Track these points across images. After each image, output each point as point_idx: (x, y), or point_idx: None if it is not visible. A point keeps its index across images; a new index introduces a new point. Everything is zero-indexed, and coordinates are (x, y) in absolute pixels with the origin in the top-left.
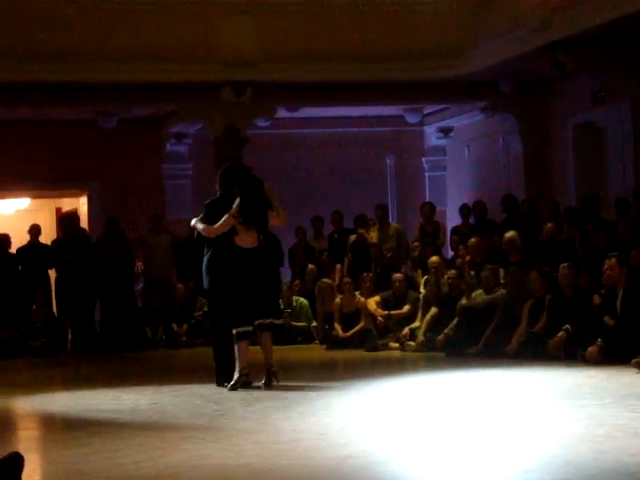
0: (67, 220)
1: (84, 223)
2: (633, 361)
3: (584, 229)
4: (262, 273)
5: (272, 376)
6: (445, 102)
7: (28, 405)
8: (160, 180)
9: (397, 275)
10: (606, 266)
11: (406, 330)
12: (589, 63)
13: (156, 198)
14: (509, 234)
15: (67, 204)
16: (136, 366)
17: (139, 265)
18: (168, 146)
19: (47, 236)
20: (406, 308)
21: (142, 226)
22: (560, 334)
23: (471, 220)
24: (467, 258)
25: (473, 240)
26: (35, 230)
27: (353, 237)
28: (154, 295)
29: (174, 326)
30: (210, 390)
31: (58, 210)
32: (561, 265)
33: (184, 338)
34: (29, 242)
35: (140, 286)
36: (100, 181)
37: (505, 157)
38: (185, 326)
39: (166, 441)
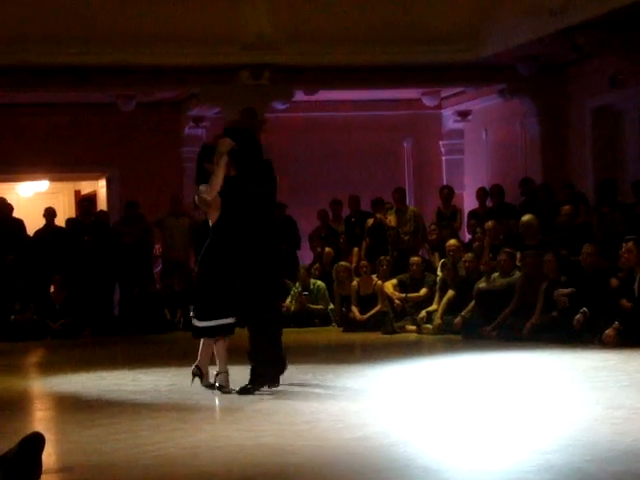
0: (85, 203)
1: (103, 206)
2: None
3: (601, 212)
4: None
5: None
6: (463, 85)
7: (48, 386)
8: (179, 163)
9: (414, 258)
10: (624, 249)
11: (423, 313)
12: (607, 46)
13: (175, 181)
14: (526, 217)
15: (86, 187)
16: (155, 348)
17: (157, 248)
18: (187, 129)
19: (67, 219)
20: (423, 291)
21: (161, 209)
22: (577, 316)
23: (489, 203)
24: (486, 242)
25: (490, 224)
26: (50, 213)
27: (371, 220)
28: (173, 278)
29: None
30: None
31: (77, 193)
32: (585, 244)
33: None
34: (45, 225)
35: (159, 268)
36: (119, 164)
37: (523, 140)
38: None
39: (186, 422)
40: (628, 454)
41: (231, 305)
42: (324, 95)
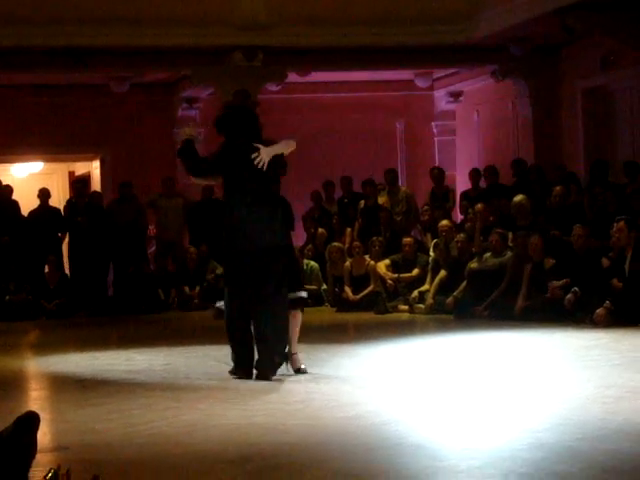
0: (79, 184)
1: (97, 187)
2: None
3: (593, 193)
4: None
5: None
6: (455, 66)
7: (42, 366)
8: (172, 144)
9: (407, 239)
10: (614, 229)
11: (415, 293)
12: (598, 27)
13: (168, 162)
14: (517, 198)
15: (80, 168)
16: (149, 328)
17: (151, 228)
18: (180, 110)
19: (61, 199)
20: (415, 271)
21: (155, 190)
22: (569, 296)
23: (481, 184)
24: (477, 225)
25: (480, 206)
26: (44, 194)
27: (363, 202)
28: (166, 258)
29: (186, 289)
30: (222, 351)
31: (71, 174)
32: (575, 225)
33: (196, 301)
34: (39, 206)
35: (153, 249)
36: (112, 145)
37: (514, 121)
38: (197, 289)
39: (180, 401)
40: (619, 433)
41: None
42: (317, 76)
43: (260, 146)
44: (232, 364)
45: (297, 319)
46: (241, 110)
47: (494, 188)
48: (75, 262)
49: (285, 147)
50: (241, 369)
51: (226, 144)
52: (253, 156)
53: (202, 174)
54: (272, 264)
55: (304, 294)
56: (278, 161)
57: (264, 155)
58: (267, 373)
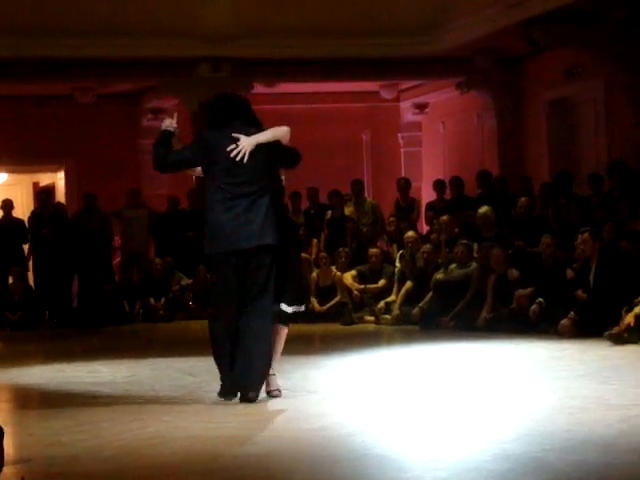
0: (44, 194)
1: (61, 198)
2: (606, 334)
3: (557, 204)
4: None
5: None
6: (420, 78)
7: (6, 378)
8: (137, 155)
9: (373, 250)
10: (579, 240)
11: (381, 304)
12: (563, 39)
13: (134, 173)
14: (483, 209)
15: (44, 179)
16: (114, 340)
17: (116, 239)
18: (145, 121)
19: (25, 211)
20: (382, 282)
21: (120, 201)
22: (533, 307)
23: (446, 195)
24: (442, 237)
25: (445, 218)
26: (7, 205)
27: (330, 212)
28: (132, 269)
29: (151, 300)
30: (187, 363)
31: (35, 185)
32: (544, 235)
33: (161, 312)
34: (2, 217)
35: (118, 260)
36: (77, 156)
37: (479, 133)
38: (163, 300)
39: (145, 413)
40: (585, 444)
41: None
42: (283, 88)
43: (240, 136)
44: (203, 378)
45: (281, 336)
46: (235, 96)
47: (459, 199)
48: (40, 273)
49: (274, 134)
50: (230, 390)
51: (202, 134)
52: (230, 148)
53: (169, 169)
54: (256, 268)
55: (293, 309)
56: (273, 151)
57: (245, 145)
58: (251, 396)
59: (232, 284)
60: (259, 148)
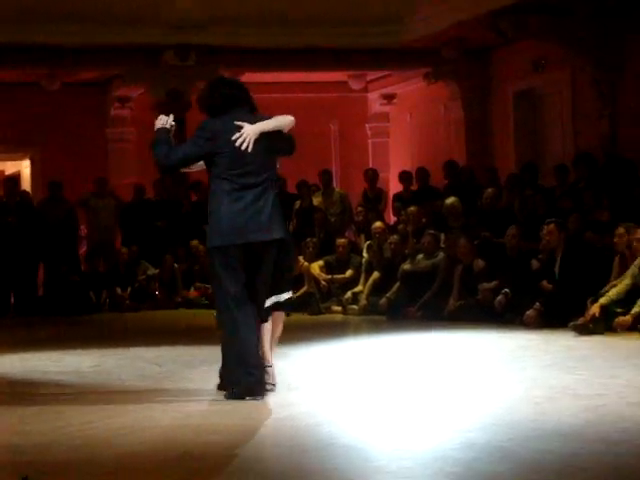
0: (9, 183)
1: (27, 186)
2: (571, 324)
3: (523, 195)
4: None
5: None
6: (389, 69)
7: None
8: (104, 144)
9: (340, 240)
10: (545, 231)
11: (349, 294)
12: (530, 31)
13: (100, 161)
14: (450, 200)
15: (10, 167)
16: (80, 329)
17: (82, 228)
18: (112, 110)
19: None
20: (349, 272)
21: (86, 189)
22: (499, 297)
23: (412, 186)
24: (410, 227)
25: (412, 209)
26: None
27: (298, 202)
28: (98, 259)
29: (118, 290)
30: (154, 353)
31: (1, 173)
32: (509, 226)
33: (128, 302)
34: None
35: (84, 249)
36: (43, 144)
37: (447, 124)
38: (129, 290)
39: (111, 403)
40: (550, 433)
41: None
42: (251, 77)
43: (244, 124)
44: (170, 368)
45: (279, 323)
46: (233, 80)
47: (425, 190)
48: (4, 262)
49: (277, 123)
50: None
51: (205, 124)
52: (235, 137)
53: (175, 168)
54: (264, 262)
55: (290, 294)
56: (275, 140)
57: (250, 133)
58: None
59: (241, 276)
60: (262, 137)
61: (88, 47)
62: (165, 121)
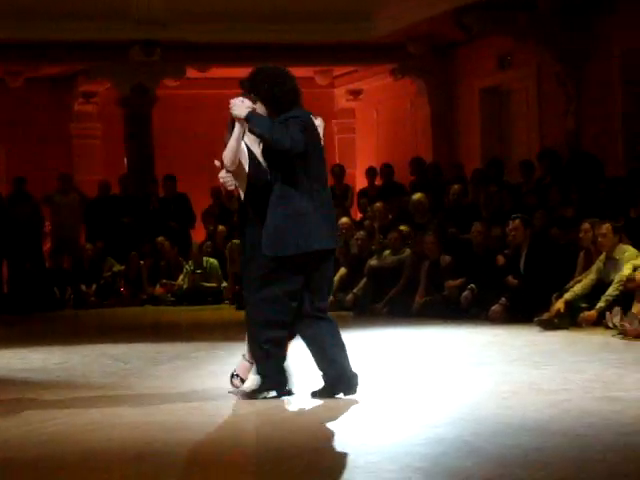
0: None
1: None
2: (536, 319)
3: (489, 191)
4: None
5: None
6: (355, 64)
7: None
8: (69, 139)
9: None
10: (510, 227)
11: None
12: (495, 27)
13: (65, 157)
14: (416, 196)
15: None
16: (44, 326)
17: (47, 225)
18: (77, 105)
19: None
20: None
21: (51, 185)
22: (465, 293)
23: (377, 182)
24: (376, 223)
25: (378, 205)
26: None
27: None
28: (62, 255)
29: (82, 286)
30: (119, 349)
31: None
32: (474, 222)
33: (93, 298)
34: None
35: (48, 246)
36: (7, 140)
37: (413, 120)
38: (94, 286)
39: (77, 400)
40: (516, 427)
41: None
42: (217, 72)
43: (318, 120)
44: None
45: None
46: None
47: (389, 186)
48: None
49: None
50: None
51: (299, 113)
52: (321, 135)
53: (301, 146)
54: (325, 270)
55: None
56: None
57: (321, 130)
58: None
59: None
60: None
61: (53, 42)
62: (250, 104)
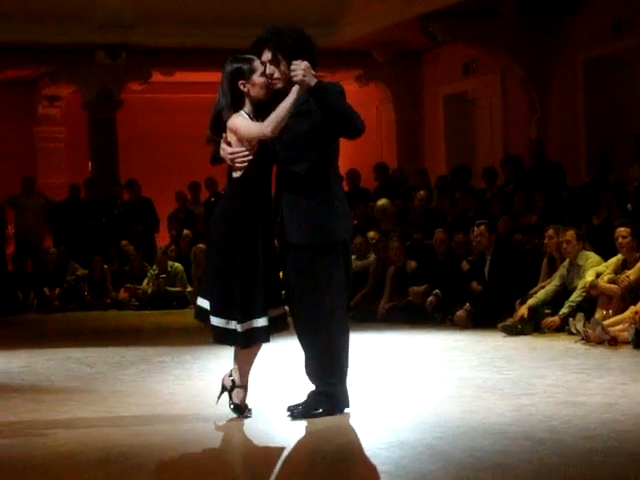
0: None
1: None
2: (499, 325)
3: (453, 197)
4: None
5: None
6: (320, 70)
7: None
8: (32, 142)
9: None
10: (475, 233)
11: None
12: (460, 34)
13: (28, 160)
14: (381, 202)
15: None
16: (7, 330)
17: (10, 228)
18: (40, 108)
19: None
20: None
21: (14, 189)
22: (430, 298)
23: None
24: None
25: None
26: None
27: None
28: (26, 259)
29: (46, 290)
30: (83, 353)
31: None
32: (437, 230)
33: (56, 302)
34: None
35: (11, 249)
36: None
37: (378, 126)
38: (57, 290)
39: (41, 403)
40: (477, 431)
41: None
42: (182, 77)
43: None
44: (99, 369)
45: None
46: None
47: (355, 192)
48: None
49: None
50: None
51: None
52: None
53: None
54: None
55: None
56: None
57: None
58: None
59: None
60: None
61: (17, 45)
62: (310, 70)
